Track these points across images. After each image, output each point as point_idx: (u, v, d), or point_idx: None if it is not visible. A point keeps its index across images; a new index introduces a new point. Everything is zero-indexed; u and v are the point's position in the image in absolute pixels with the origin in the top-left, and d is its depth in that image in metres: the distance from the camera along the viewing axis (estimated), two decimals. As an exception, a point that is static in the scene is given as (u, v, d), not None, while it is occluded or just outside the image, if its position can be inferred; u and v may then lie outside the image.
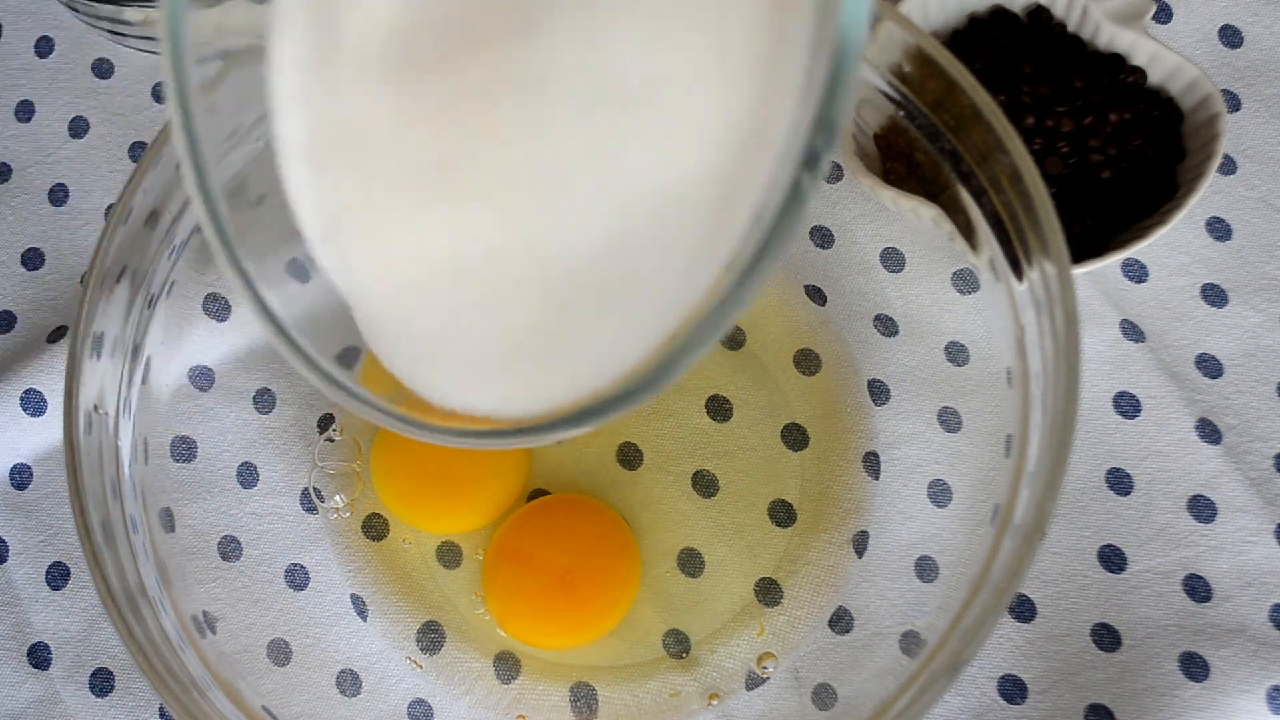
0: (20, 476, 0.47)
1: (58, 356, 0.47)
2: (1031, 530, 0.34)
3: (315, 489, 0.46)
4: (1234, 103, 0.49)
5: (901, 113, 0.41)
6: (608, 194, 0.25)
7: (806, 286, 0.47)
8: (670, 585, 0.44)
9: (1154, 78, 0.45)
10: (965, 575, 0.37)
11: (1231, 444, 0.44)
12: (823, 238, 0.47)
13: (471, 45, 0.25)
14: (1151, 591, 0.43)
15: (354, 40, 0.26)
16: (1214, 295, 0.46)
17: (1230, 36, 0.50)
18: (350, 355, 0.29)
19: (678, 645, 0.44)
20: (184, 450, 0.44)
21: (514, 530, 0.45)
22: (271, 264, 0.28)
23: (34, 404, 0.48)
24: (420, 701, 0.43)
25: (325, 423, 0.47)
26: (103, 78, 0.53)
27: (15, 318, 0.50)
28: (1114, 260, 0.43)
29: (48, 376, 0.48)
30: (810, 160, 0.23)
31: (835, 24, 0.22)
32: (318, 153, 0.27)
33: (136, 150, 0.52)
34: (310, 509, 0.45)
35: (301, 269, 0.29)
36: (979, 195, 0.39)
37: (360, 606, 0.44)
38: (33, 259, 0.50)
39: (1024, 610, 0.43)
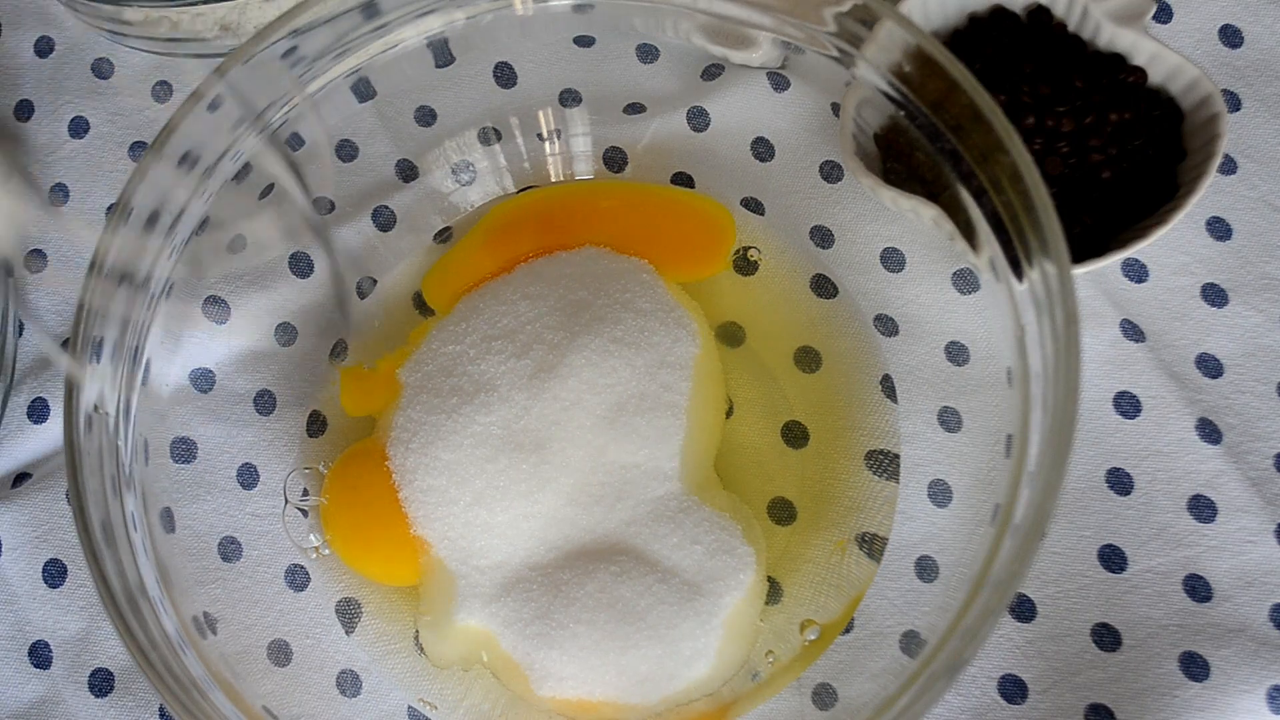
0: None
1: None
2: (1031, 530, 0.34)
3: (299, 508, 0.45)
4: (1234, 103, 0.49)
5: (902, 113, 0.41)
6: None
7: (807, 284, 0.47)
8: (670, 585, 0.44)
9: (1154, 78, 0.45)
10: (965, 575, 0.37)
11: (1231, 444, 0.44)
12: (823, 237, 0.47)
13: None
14: (1152, 591, 0.43)
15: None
16: (1214, 295, 0.46)
17: (1230, 36, 0.50)
18: None
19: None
20: (184, 451, 0.44)
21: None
22: None
23: (39, 412, 0.48)
24: (421, 702, 0.43)
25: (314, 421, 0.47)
26: (103, 78, 0.53)
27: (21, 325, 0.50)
28: (1114, 260, 0.43)
29: (53, 385, 0.48)
30: None
31: None
32: None
33: (136, 150, 0.52)
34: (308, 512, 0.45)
35: None
36: (979, 195, 0.39)
37: (359, 607, 0.44)
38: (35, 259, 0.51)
39: (1024, 610, 0.43)
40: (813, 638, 0.42)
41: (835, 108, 0.46)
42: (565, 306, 0.44)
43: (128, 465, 0.39)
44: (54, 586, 0.46)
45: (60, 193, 0.51)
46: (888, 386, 0.45)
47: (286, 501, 0.45)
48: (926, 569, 0.42)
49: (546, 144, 0.50)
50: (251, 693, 0.39)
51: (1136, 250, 0.43)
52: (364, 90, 0.46)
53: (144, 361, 0.41)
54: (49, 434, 0.48)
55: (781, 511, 0.44)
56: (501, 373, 0.43)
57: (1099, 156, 0.44)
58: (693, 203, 0.49)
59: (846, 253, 0.47)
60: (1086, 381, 0.45)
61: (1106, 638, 0.42)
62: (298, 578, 0.44)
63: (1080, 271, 0.43)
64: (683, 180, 0.49)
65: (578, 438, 0.42)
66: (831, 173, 0.48)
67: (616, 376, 0.42)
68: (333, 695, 0.43)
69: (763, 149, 0.49)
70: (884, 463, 0.44)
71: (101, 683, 0.44)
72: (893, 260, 0.47)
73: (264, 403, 0.46)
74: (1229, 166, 0.48)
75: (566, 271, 0.45)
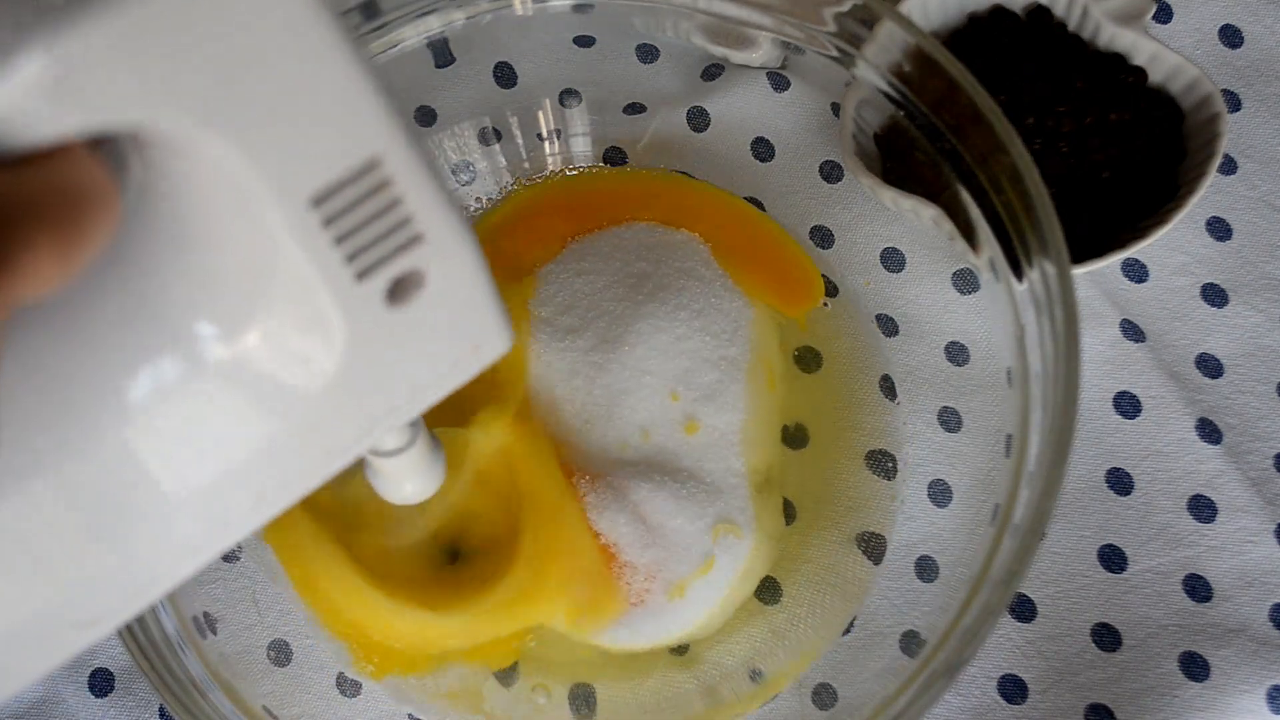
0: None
1: None
2: (1031, 530, 0.34)
3: None
4: (1234, 103, 0.49)
5: (902, 113, 0.41)
6: None
7: (807, 286, 0.47)
8: (670, 585, 0.44)
9: (1154, 78, 0.45)
10: (965, 575, 0.37)
11: (1231, 444, 0.44)
12: (823, 238, 0.47)
13: None
14: (1151, 591, 0.43)
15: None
16: (1214, 295, 0.46)
17: (1230, 36, 0.50)
18: None
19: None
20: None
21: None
22: None
23: None
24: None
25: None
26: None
27: None
28: (1114, 260, 0.43)
29: None
30: None
31: None
32: None
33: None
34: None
35: None
36: (979, 195, 0.39)
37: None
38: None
39: (1024, 610, 0.43)
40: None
41: (835, 108, 0.46)
42: (626, 278, 0.44)
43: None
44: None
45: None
46: (888, 386, 0.45)
47: None
48: (926, 569, 0.42)
49: (546, 144, 0.50)
50: (251, 693, 0.39)
51: (1136, 250, 0.43)
52: (364, 90, 0.46)
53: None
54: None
55: (782, 511, 0.44)
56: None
57: (1099, 156, 0.44)
58: (789, 251, 0.48)
59: (846, 253, 0.47)
60: (1086, 381, 0.45)
61: (1106, 638, 0.42)
62: (298, 578, 0.44)
63: (1080, 271, 0.43)
64: (683, 180, 0.49)
65: (648, 404, 0.42)
66: (831, 173, 0.48)
67: (687, 344, 0.42)
68: (333, 695, 0.43)
69: (763, 149, 0.49)
70: (884, 463, 0.44)
71: (101, 683, 0.44)
72: (893, 260, 0.47)
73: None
74: (1229, 166, 0.48)
75: (621, 244, 0.45)
